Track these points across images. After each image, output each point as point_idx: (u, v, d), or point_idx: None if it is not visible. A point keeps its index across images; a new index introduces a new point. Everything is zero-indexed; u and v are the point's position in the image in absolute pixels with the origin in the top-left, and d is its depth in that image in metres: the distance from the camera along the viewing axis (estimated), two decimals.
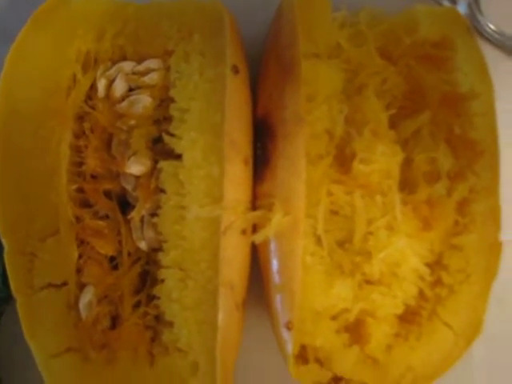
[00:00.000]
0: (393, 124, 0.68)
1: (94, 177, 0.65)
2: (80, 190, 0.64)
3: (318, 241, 0.64)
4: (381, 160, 0.64)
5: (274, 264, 0.62)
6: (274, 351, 0.66)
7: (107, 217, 0.65)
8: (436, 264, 0.66)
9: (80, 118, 0.65)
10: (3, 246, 0.62)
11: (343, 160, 0.65)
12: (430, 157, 0.67)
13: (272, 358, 0.68)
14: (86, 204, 0.65)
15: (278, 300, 0.62)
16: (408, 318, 0.66)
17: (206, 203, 0.61)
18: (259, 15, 0.72)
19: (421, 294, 0.66)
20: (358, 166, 0.63)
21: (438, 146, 0.67)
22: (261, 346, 0.69)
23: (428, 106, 0.69)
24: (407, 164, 0.67)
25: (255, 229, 0.64)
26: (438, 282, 0.66)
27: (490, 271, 0.65)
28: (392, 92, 0.69)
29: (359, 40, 0.69)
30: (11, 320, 0.70)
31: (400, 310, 0.64)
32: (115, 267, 0.65)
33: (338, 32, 0.68)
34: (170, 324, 0.62)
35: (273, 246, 0.62)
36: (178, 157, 0.62)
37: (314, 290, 0.62)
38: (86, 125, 0.64)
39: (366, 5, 0.71)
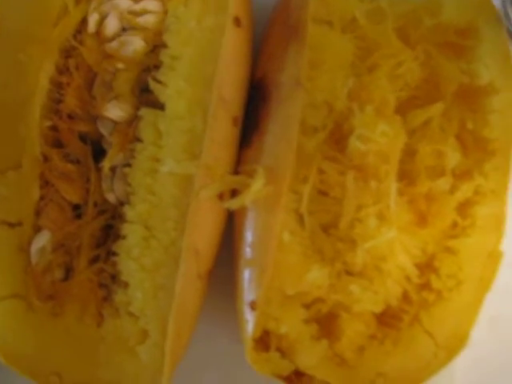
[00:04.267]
0: (402, 113, 0.63)
1: (70, 117, 0.60)
2: (54, 129, 0.60)
3: (301, 220, 0.58)
4: (380, 141, 0.58)
5: (248, 236, 0.57)
6: (236, 333, 0.60)
7: (78, 162, 0.60)
8: (426, 266, 0.60)
9: (66, 53, 0.60)
10: None
11: (340, 137, 0.60)
12: (436, 150, 0.61)
13: (233, 340, 0.62)
14: (57, 145, 0.60)
15: (245, 276, 0.56)
16: (387, 320, 0.60)
17: (182, 158, 0.56)
18: None
19: (405, 296, 0.60)
20: (354, 143, 0.58)
21: (447, 140, 0.62)
22: (223, 325, 0.63)
23: (442, 97, 0.63)
24: (410, 156, 0.62)
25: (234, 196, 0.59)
26: (425, 286, 0.60)
27: (485, 282, 0.59)
28: (405, 78, 0.64)
29: (378, 17, 0.64)
30: None
31: (379, 309, 0.58)
32: (78, 217, 0.60)
33: (356, 4, 0.63)
34: (125, 285, 0.57)
35: (249, 217, 0.57)
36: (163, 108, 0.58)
37: (286, 271, 0.56)
38: (72, 61, 0.60)
39: None
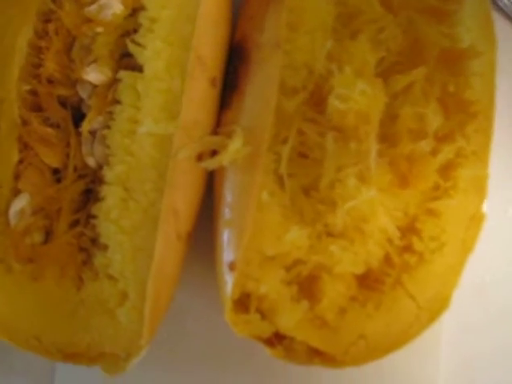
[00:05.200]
0: (384, 78, 0.62)
1: (50, 82, 0.60)
2: (33, 93, 0.60)
3: (280, 181, 0.58)
4: (360, 100, 0.57)
5: (227, 196, 0.56)
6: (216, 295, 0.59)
7: (58, 126, 0.60)
8: (408, 229, 0.60)
9: (45, 17, 0.60)
10: None
11: (320, 99, 0.59)
12: (417, 112, 0.61)
13: (213, 303, 0.62)
14: (37, 109, 0.60)
15: (224, 236, 0.56)
16: (369, 284, 0.59)
17: (161, 119, 0.56)
18: None
19: (387, 259, 0.59)
20: (333, 102, 0.57)
21: (429, 103, 0.62)
22: (203, 288, 0.63)
23: (424, 62, 0.63)
24: (392, 120, 0.62)
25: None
26: (407, 248, 0.59)
27: (468, 244, 0.59)
28: (387, 43, 0.63)
29: None
30: None
31: (360, 270, 0.58)
32: (58, 181, 0.60)
33: None
34: (105, 247, 0.57)
35: (228, 177, 0.57)
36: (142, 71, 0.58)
37: (266, 231, 0.56)
38: (51, 26, 0.60)
39: None
